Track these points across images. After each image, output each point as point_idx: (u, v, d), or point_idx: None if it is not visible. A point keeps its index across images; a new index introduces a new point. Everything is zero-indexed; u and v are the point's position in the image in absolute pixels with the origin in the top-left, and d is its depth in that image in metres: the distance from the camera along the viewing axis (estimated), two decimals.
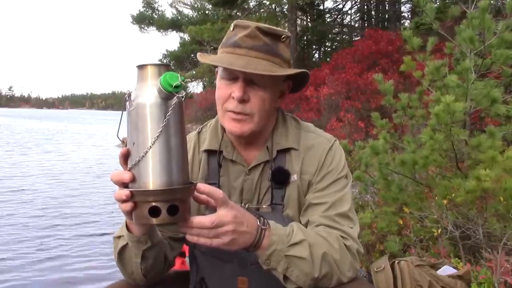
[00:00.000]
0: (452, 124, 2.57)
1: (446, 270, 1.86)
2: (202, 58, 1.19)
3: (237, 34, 1.14)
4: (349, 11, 24.26)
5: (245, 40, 1.11)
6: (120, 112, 0.91)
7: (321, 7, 23.23)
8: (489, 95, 2.68)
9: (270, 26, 1.15)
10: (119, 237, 1.10)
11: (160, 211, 0.85)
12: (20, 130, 25.93)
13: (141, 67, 0.88)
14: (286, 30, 1.21)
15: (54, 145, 16.50)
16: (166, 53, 22.95)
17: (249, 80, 1.11)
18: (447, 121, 2.51)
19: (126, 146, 0.89)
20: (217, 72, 1.23)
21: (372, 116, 3.52)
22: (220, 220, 0.91)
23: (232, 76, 1.13)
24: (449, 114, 2.46)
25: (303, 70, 1.17)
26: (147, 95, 0.85)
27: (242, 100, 1.11)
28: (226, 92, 1.14)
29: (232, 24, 1.18)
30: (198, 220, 0.90)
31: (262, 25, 1.14)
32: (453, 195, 2.48)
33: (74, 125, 37.47)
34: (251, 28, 1.12)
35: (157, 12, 23.95)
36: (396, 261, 1.91)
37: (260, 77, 1.11)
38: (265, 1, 18.62)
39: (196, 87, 25.00)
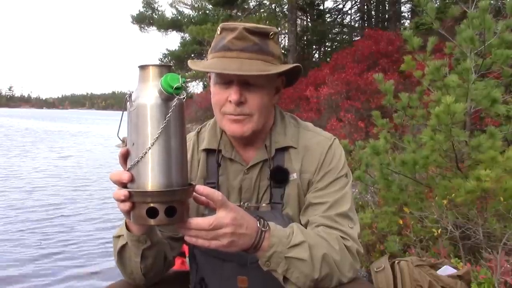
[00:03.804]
0: (452, 125, 2.56)
1: (446, 270, 1.86)
2: (194, 65, 1.19)
3: (225, 37, 1.13)
4: (349, 11, 24.26)
5: (235, 43, 1.11)
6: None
7: (321, 7, 23.21)
8: (489, 96, 2.67)
9: (257, 25, 1.14)
10: (118, 236, 1.10)
11: (158, 212, 0.84)
12: (35, 131, 25.66)
13: (142, 67, 0.87)
14: (273, 27, 1.20)
15: (77, 149, 15.81)
16: (166, 52, 22.94)
17: (244, 82, 1.11)
18: (447, 122, 2.51)
19: (126, 146, 0.89)
20: (209, 77, 1.23)
21: (373, 115, 3.52)
22: (218, 222, 0.91)
23: (226, 80, 1.12)
24: (449, 115, 2.46)
25: (296, 64, 1.17)
26: (148, 95, 0.85)
27: (240, 103, 1.11)
28: (223, 97, 1.13)
29: (219, 28, 1.17)
30: (196, 222, 0.90)
31: (249, 25, 1.13)
32: (453, 195, 2.48)
33: (86, 126, 37.12)
34: (239, 30, 1.11)
35: (157, 12, 23.96)
36: (396, 261, 1.91)
37: (255, 77, 1.11)
38: (265, 1, 18.63)
39: (196, 87, 25.00)
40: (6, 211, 5.70)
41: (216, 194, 0.92)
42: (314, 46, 23.93)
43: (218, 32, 1.16)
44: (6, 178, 8.40)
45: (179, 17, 23.69)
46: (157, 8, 24.04)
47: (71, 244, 4.45)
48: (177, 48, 22.92)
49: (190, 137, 1.30)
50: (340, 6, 23.20)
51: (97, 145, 17.80)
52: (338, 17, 23.77)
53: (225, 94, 1.13)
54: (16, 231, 4.81)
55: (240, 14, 17.98)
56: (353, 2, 23.27)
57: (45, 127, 31.65)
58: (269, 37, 1.15)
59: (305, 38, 22.57)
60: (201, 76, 18.57)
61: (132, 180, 0.87)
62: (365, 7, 21.33)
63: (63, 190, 7.37)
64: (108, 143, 18.12)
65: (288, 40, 18.44)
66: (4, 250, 4.19)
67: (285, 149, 1.22)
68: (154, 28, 23.57)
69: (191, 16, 23.45)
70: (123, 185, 0.88)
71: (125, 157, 0.89)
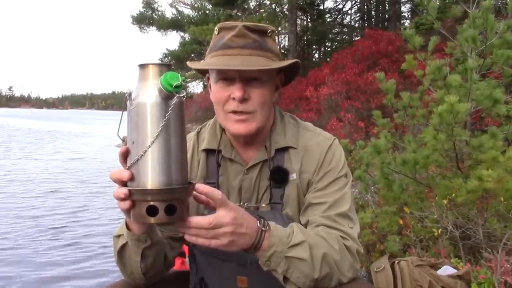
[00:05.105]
0: (454, 124, 2.56)
1: (446, 270, 1.86)
2: (193, 65, 1.20)
3: (225, 36, 1.13)
4: (349, 11, 24.25)
5: (235, 40, 1.11)
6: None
7: (321, 7, 23.20)
8: (491, 96, 2.67)
9: (255, 23, 1.15)
10: (118, 236, 1.10)
11: (158, 211, 0.84)
12: (38, 132, 25.35)
13: (142, 66, 0.87)
14: (270, 25, 1.21)
15: (84, 150, 15.31)
16: (166, 52, 22.94)
17: (246, 79, 1.11)
18: (450, 121, 2.50)
19: (126, 144, 0.88)
20: (207, 77, 1.22)
21: (373, 115, 3.52)
22: (218, 221, 0.91)
23: (228, 77, 1.12)
24: (452, 114, 2.46)
25: (295, 60, 1.18)
26: (148, 94, 0.85)
27: (243, 100, 1.11)
28: (225, 94, 1.13)
29: (216, 28, 1.17)
30: (196, 220, 0.90)
31: (247, 23, 1.14)
32: (453, 195, 2.48)
33: (87, 126, 36.71)
34: (239, 28, 1.12)
35: (157, 12, 23.96)
36: (396, 261, 1.91)
37: (257, 73, 1.11)
38: (265, 1, 18.62)
39: (196, 87, 25.01)
40: (22, 216, 5.59)
41: (216, 193, 0.92)
42: (314, 46, 23.93)
43: (216, 32, 1.17)
44: (16, 181, 8.27)
45: (179, 17, 23.69)
46: (157, 8, 24.05)
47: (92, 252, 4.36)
48: (176, 48, 22.93)
49: (190, 137, 1.30)
50: (340, 6, 23.21)
51: (103, 146, 17.56)
52: (338, 17, 23.77)
53: (227, 92, 1.12)
54: (32, 237, 4.71)
55: (240, 14, 17.97)
56: (353, 2, 23.29)
57: (47, 127, 31.48)
58: (267, 35, 1.16)
59: (305, 38, 22.57)
60: (201, 76, 18.51)
61: (132, 178, 0.87)
62: (365, 7, 21.33)
63: (76, 194, 7.27)
64: (113, 143, 18.01)
65: (288, 40, 18.47)
66: (22, 253, 4.15)
67: (285, 149, 1.21)
68: (154, 28, 23.56)
69: (191, 16, 23.47)
70: (123, 184, 0.88)
71: (125, 155, 0.89)
